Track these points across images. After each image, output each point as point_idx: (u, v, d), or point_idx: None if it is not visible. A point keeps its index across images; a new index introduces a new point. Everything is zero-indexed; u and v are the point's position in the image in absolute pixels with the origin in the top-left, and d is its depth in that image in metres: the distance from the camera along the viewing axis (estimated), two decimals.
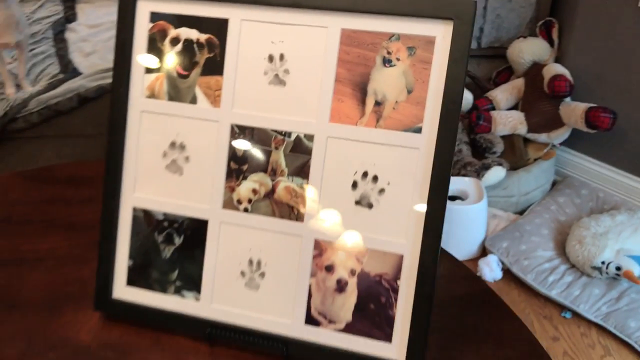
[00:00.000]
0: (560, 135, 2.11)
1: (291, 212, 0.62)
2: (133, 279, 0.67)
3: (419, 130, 0.58)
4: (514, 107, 2.27)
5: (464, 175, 2.02)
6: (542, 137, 2.13)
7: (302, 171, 0.62)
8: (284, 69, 0.61)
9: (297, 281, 0.62)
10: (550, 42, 2.26)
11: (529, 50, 2.23)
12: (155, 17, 0.64)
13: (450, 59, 0.56)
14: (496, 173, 2.00)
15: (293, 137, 0.62)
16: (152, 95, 0.65)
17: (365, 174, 0.60)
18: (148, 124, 0.66)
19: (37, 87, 1.98)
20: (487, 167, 2.00)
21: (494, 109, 2.27)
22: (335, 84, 0.60)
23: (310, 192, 0.61)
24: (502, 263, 1.87)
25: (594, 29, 2.13)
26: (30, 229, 0.83)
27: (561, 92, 2.00)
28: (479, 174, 1.99)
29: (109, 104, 0.65)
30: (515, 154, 2.13)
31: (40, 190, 0.92)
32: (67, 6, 2.52)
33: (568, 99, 2.10)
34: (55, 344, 0.65)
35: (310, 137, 0.61)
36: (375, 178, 0.60)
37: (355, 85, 0.60)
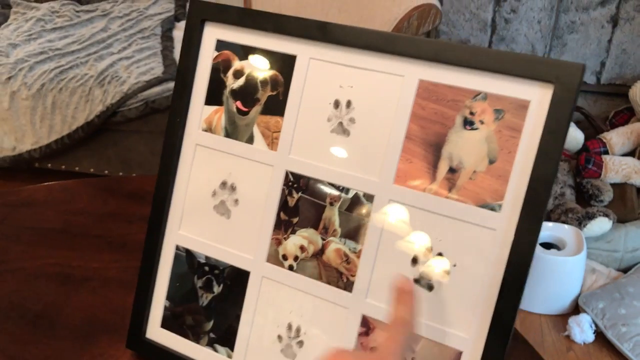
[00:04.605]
0: None
1: (339, 278, 0.55)
2: (168, 322, 0.62)
3: (497, 208, 0.49)
4: (631, 154, 2.05)
5: (564, 222, 1.85)
6: None
7: (356, 234, 0.54)
8: (349, 117, 0.54)
9: None
10: None
11: None
12: (221, 45, 0.59)
13: (546, 129, 0.46)
14: (601, 224, 1.83)
15: (351, 194, 0.54)
16: (209, 128, 0.60)
17: (429, 250, 0.51)
18: (201, 159, 0.61)
19: (139, 84, 2.02)
20: (591, 217, 1.82)
21: (607, 152, 2.07)
22: (404, 141, 0.52)
23: (364, 259, 0.54)
24: (596, 325, 1.68)
25: None
26: (85, 243, 0.81)
27: None
28: (581, 222, 1.82)
29: None
30: (626, 205, 1.92)
31: (104, 202, 0.90)
32: (178, 4, 2.58)
33: None
34: None
35: (370, 197, 0.53)
36: (440, 256, 0.51)
37: (428, 145, 0.51)
